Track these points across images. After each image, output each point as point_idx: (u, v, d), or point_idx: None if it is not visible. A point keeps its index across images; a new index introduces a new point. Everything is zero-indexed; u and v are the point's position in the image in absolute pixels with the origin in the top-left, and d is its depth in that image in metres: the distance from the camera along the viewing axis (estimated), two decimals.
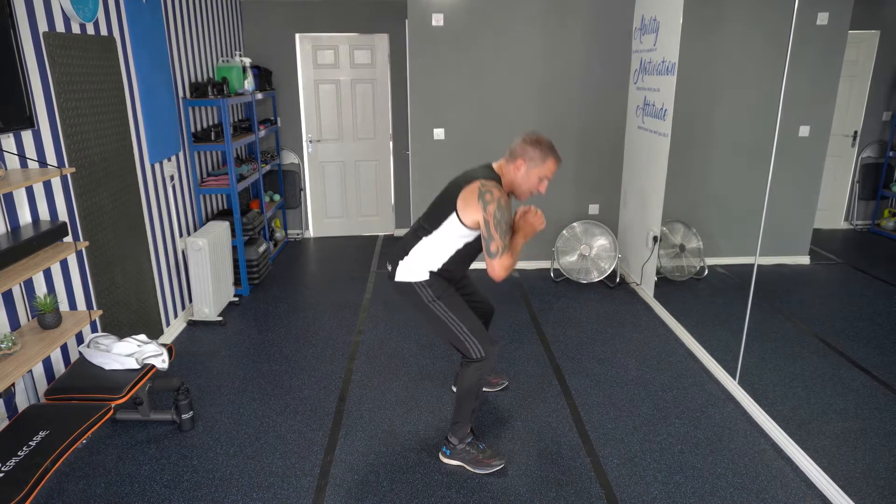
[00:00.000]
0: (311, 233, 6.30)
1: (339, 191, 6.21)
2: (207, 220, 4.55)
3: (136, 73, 3.44)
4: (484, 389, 2.94)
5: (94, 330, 3.03)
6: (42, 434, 2.17)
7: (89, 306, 2.98)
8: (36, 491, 1.94)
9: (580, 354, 3.66)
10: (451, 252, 2.52)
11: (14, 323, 2.46)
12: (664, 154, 4.07)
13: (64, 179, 2.79)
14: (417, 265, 2.54)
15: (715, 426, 2.92)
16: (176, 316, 4.01)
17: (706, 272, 4.65)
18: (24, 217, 2.52)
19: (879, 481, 2.48)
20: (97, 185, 3.05)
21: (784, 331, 3.94)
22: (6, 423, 2.38)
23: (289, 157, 6.02)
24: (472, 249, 2.55)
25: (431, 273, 2.54)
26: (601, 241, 4.81)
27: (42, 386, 2.66)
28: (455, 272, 2.60)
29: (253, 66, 5.08)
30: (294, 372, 3.46)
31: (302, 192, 6.12)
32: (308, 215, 6.24)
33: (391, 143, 6.07)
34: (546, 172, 2.48)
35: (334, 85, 5.91)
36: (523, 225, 2.50)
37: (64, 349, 2.84)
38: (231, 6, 5.24)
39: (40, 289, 2.62)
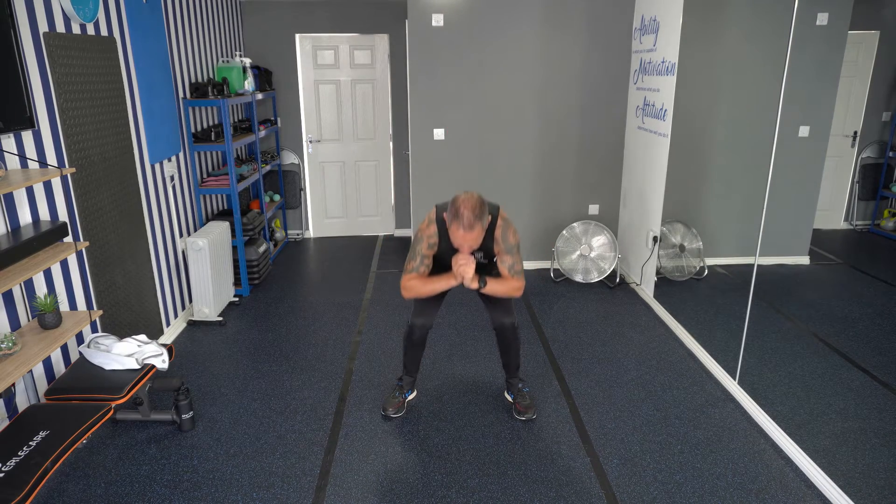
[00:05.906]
0: (311, 233, 6.30)
1: (339, 191, 6.21)
2: (207, 220, 4.55)
3: (136, 73, 3.45)
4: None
5: (94, 330, 3.03)
6: (42, 434, 2.17)
7: (89, 306, 2.98)
8: (36, 491, 1.95)
9: (580, 354, 3.66)
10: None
11: (14, 323, 2.47)
12: (664, 154, 4.07)
13: (64, 179, 2.79)
14: None
15: (715, 426, 2.92)
16: (176, 316, 4.02)
17: (706, 272, 4.65)
18: (25, 217, 2.53)
19: (879, 481, 2.48)
20: (97, 185, 3.05)
21: (784, 331, 3.94)
22: (6, 423, 2.39)
23: (289, 158, 6.02)
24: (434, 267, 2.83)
25: None
26: (601, 242, 4.81)
27: (42, 386, 2.66)
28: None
29: (253, 67, 5.09)
30: (294, 372, 3.46)
31: (302, 193, 6.12)
32: (308, 215, 6.24)
33: (391, 143, 6.07)
34: (452, 236, 2.57)
35: (334, 85, 5.91)
36: (453, 263, 2.63)
37: (64, 349, 2.84)
38: (231, 6, 5.24)
39: (40, 289, 2.62)
